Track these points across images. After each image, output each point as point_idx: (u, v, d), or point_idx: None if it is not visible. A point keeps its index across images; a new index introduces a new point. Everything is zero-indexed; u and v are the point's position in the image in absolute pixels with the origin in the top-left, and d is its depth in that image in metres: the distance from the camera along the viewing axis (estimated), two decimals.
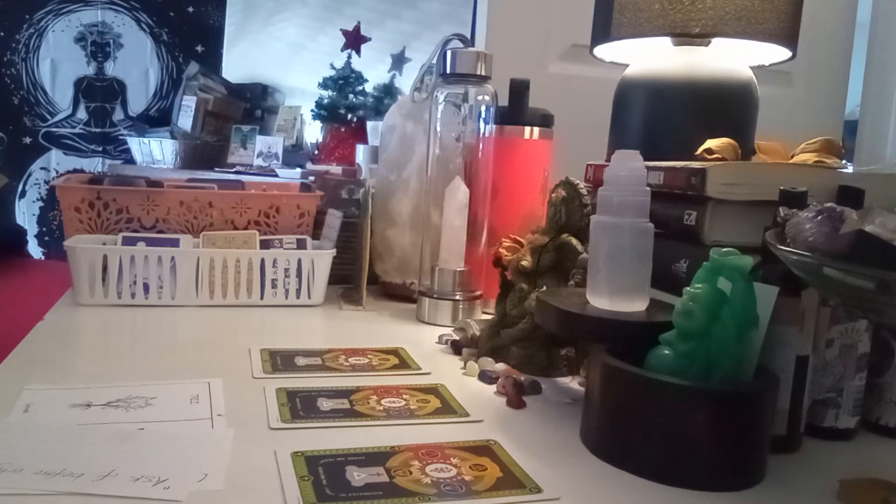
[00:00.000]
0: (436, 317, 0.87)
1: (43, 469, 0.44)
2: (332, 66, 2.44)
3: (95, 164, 2.59)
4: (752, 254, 0.50)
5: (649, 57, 0.90)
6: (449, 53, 0.88)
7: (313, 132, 2.51)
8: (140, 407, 0.55)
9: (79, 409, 0.54)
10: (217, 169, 2.29)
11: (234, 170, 2.25)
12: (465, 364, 0.70)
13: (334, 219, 0.96)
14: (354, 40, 2.52)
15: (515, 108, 0.92)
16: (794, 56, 0.88)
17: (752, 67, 0.88)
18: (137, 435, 0.50)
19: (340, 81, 2.39)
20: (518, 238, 0.76)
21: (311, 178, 1.21)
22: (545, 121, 0.93)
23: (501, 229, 0.87)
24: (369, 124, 2.20)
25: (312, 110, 2.40)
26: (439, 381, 0.65)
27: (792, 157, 0.72)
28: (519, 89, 0.92)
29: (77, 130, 2.59)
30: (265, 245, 0.92)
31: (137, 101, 2.62)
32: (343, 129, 2.34)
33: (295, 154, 2.44)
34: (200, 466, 0.46)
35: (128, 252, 0.85)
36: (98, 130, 2.61)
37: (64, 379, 0.60)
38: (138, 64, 2.61)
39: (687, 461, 0.48)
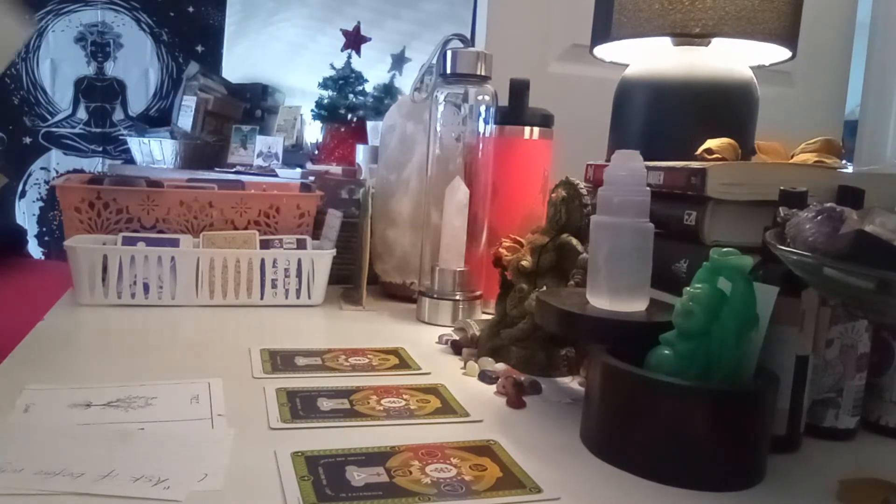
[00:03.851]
0: (436, 317, 0.87)
1: (43, 469, 0.44)
2: (332, 66, 2.44)
3: (95, 164, 2.60)
4: (752, 254, 0.50)
5: (649, 57, 0.90)
6: (449, 53, 0.88)
7: (313, 132, 2.51)
8: (140, 407, 0.55)
9: (79, 409, 0.54)
10: (217, 169, 2.29)
11: (234, 170, 2.25)
12: (465, 364, 0.70)
13: (334, 219, 0.96)
14: (354, 40, 2.52)
15: (515, 108, 0.92)
16: (794, 56, 0.88)
17: (752, 67, 0.88)
18: (138, 435, 0.50)
19: (340, 81, 2.39)
20: (518, 238, 0.76)
21: (311, 178, 1.21)
22: (545, 121, 0.93)
23: (501, 229, 0.87)
24: (369, 124, 2.20)
25: (312, 110, 2.40)
26: (439, 381, 0.65)
27: (792, 157, 0.71)
28: (519, 89, 0.92)
29: (77, 130, 2.59)
30: (265, 245, 0.92)
31: (137, 101, 2.62)
32: (343, 129, 2.34)
33: (295, 154, 2.44)
34: (200, 466, 0.46)
35: (128, 252, 0.85)
36: (98, 130, 2.61)
37: (64, 379, 0.60)
38: (138, 64, 2.61)
39: (687, 461, 0.48)
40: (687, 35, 0.84)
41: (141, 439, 0.50)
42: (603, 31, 0.92)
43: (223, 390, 0.59)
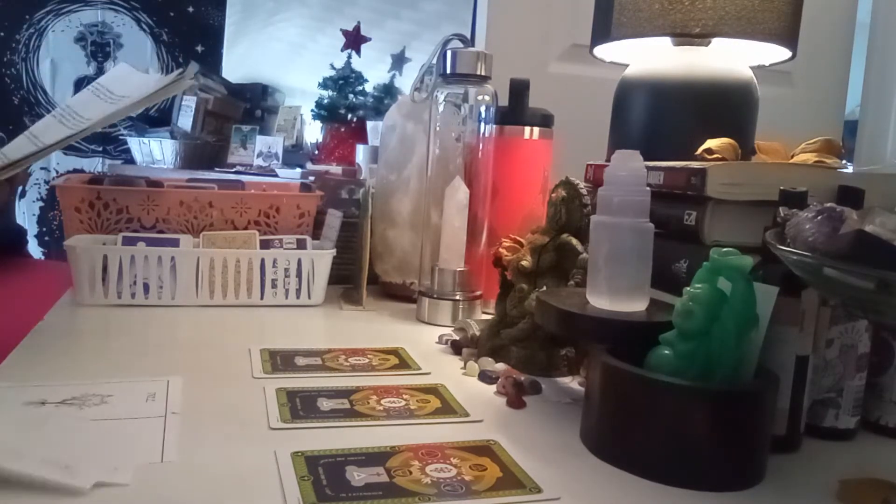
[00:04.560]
0: (436, 317, 0.87)
1: None
2: (332, 66, 2.44)
3: (95, 164, 2.60)
4: (752, 254, 0.50)
5: (649, 57, 0.90)
6: (449, 53, 0.88)
7: (313, 132, 2.51)
8: (94, 405, 0.55)
9: (32, 407, 0.53)
10: (217, 169, 2.29)
11: (234, 170, 2.25)
12: (465, 364, 0.70)
13: (334, 219, 0.96)
14: (354, 40, 2.52)
15: (515, 108, 0.92)
16: (794, 56, 0.88)
17: (752, 67, 0.88)
18: (58, 418, 0.50)
19: (340, 81, 2.39)
20: (518, 238, 0.76)
21: (311, 178, 1.21)
22: (545, 121, 0.93)
23: (501, 229, 0.87)
24: (369, 124, 2.20)
25: (312, 110, 2.40)
26: (439, 381, 0.65)
27: (792, 157, 0.72)
28: (519, 89, 0.92)
29: None
30: (265, 245, 0.92)
31: None
32: (343, 129, 2.34)
33: (295, 154, 2.44)
34: (114, 459, 0.45)
35: (128, 252, 0.85)
36: (98, 130, 2.61)
37: (62, 378, 0.60)
38: (138, 64, 2.60)
39: (687, 461, 0.48)
40: (687, 35, 0.84)
41: (59, 423, 0.49)
42: (603, 31, 0.92)
43: (182, 389, 0.59)
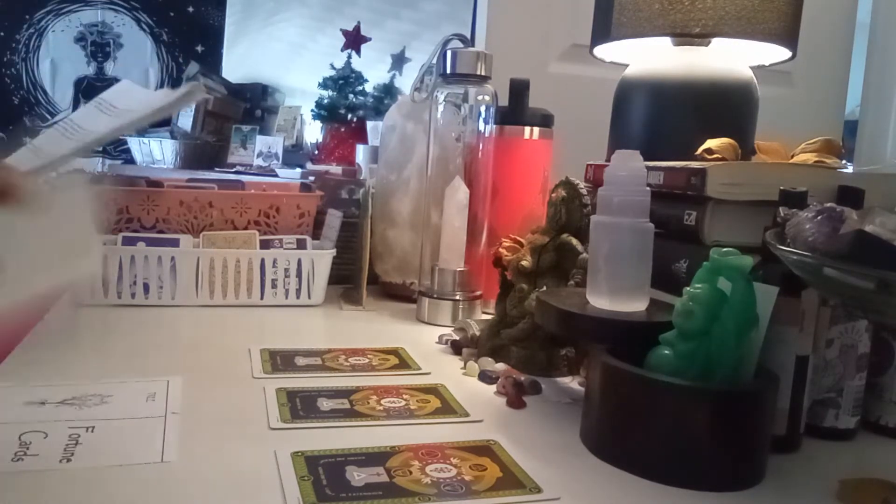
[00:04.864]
0: (436, 317, 0.87)
1: None
2: (332, 66, 2.44)
3: (95, 164, 2.59)
4: (752, 254, 0.50)
5: (649, 57, 0.90)
6: (449, 53, 0.88)
7: (313, 132, 2.51)
8: (95, 405, 0.55)
9: (33, 407, 0.53)
10: (217, 169, 2.29)
11: (234, 170, 2.25)
12: (465, 364, 0.70)
13: (334, 219, 0.96)
14: (354, 40, 2.52)
15: (515, 108, 0.92)
16: (794, 56, 0.88)
17: (752, 67, 0.88)
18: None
19: (340, 81, 2.39)
20: (518, 238, 0.76)
21: (311, 178, 1.21)
22: (545, 121, 0.93)
23: (501, 229, 0.87)
24: (369, 124, 2.20)
25: (312, 110, 2.40)
26: (439, 381, 0.65)
27: (792, 157, 0.72)
28: (519, 89, 0.92)
29: None
30: (265, 245, 0.92)
31: None
32: (343, 129, 2.34)
33: (295, 154, 2.44)
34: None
35: (128, 252, 0.85)
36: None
37: (65, 378, 0.60)
38: (138, 64, 2.61)
39: (687, 461, 0.48)
40: (687, 35, 0.84)
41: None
42: (603, 31, 0.92)
43: (181, 389, 0.59)
